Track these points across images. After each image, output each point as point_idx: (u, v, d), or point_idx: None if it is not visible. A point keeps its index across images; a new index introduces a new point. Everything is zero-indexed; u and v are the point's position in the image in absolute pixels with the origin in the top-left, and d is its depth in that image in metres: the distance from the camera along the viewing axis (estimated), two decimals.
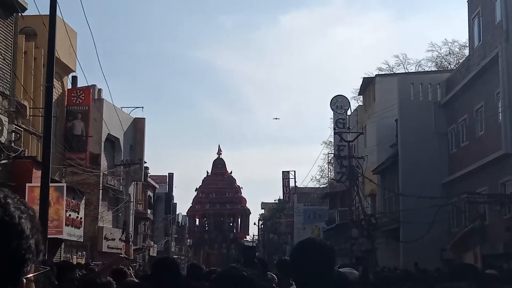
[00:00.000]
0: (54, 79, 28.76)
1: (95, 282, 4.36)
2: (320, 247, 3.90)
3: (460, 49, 53.90)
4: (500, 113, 26.51)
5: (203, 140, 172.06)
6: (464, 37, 60.19)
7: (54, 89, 28.92)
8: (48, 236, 11.34)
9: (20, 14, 20.60)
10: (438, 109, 34.83)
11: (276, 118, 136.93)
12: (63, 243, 27.93)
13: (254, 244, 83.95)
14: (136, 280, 8.28)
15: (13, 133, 19.89)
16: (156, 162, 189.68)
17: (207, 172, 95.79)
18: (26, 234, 1.37)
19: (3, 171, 19.53)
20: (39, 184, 12.76)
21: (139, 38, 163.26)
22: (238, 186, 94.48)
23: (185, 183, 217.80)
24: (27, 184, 19.93)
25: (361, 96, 48.31)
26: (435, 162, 33.71)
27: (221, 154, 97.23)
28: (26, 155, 21.90)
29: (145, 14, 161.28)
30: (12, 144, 19.70)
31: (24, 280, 1.37)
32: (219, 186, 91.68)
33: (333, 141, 48.95)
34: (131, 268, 10.35)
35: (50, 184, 12.76)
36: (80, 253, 33.62)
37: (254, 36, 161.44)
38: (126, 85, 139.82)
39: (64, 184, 25.53)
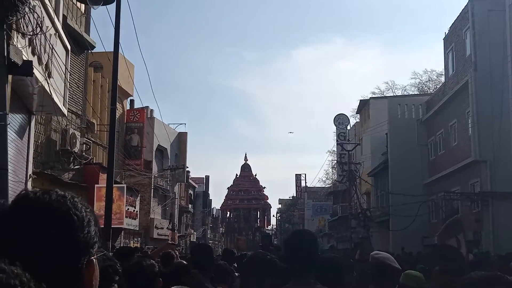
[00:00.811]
0: (117, 103, 29.18)
1: (142, 263, 4.27)
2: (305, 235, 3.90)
3: (437, 77, 53.47)
4: (470, 128, 26.28)
5: (233, 150, 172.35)
6: (440, 67, 59.81)
7: (116, 110, 29.30)
8: (112, 226, 11.37)
9: (90, 51, 20.78)
10: (420, 125, 34.56)
11: (290, 132, 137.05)
12: (122, 231, 28.02)
13: (272, 233, 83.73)
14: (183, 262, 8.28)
15: (84, 145, 20.02)
16: (196, 167, 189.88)
17: (236, 174, 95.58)
18: (91, 223, 1.39)
19: (76, 174, 19.66)
20: (105, 185, 12.83)
21: (184, 69, 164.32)
22: (261, 186, 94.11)
23: (219, 184, 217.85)
24: (96, 185, 20.08)
25: (358, 114, 48.06)
26: (417, 167, 33.45)
27: (247, 160, 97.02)
28: (94, 162, 22.04)
29: (189, 50, 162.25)
30: (83, 153, 19.83)
31: (94, 260, 1.39)
32: (246, 186, 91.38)
33: (336, 150, 48.73)
34: (177, 252, 10.34)
35: (114, 185, 12.80)
36: (136, 239, 33.67)
37: (271, 67, 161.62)
38: (173, 107, 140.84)
39: (125, 185, 25.70)
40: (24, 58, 8.38)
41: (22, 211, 1.32)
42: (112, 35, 12.36)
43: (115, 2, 11.34)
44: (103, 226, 11.18)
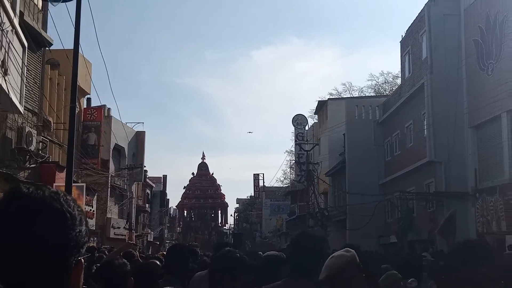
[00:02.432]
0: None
1: (114, 263, 4.31)
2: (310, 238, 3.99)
3: (393, 79, 54.32)
4: (425, 129, 26.76)
5: (190, 149, 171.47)
6: (396, 69, 60.76)
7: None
8: None
9: (48, 49, 20.41)
10: (377, 126, 35.01)
11: (249, 132, 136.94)
12: None
13: (229, 232, 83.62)
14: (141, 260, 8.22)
15: (41, 143, 19.65)
16: (153, 166, 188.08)
17: (193, 173, 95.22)
18: (83, 222, 1.37)
19: (32, 173, 19.28)
20: (63, 184, 12.62)
21: (141, 67, 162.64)
22: (218, 184, 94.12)
23: (177, 183, 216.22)
24: (54, 184, 19.70)
25: (316, 115, 48.45)
26: (374, 167, 33.90)
27: (204, 159, 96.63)
28: (50, 160, 21.66)
29: (146, 48, 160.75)
30: (40, 152, 19.46)
31: (83, 260, 1.38)
32: (203, 185, 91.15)
33: (294, 150, 49.03)
34: (137, 252, 10.25)
35: (73, 184, 12.60)
36: (92, 239, 33.19)
37: (232, 67, 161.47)
38: (131, 105, 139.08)
39: (84, 184, 25.35)
40: None
41: (14, 206, 1.30)
42: (69, 32, 12.20)
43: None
44: None
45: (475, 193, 18.79)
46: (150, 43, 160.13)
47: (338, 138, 37.95)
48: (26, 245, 1.26)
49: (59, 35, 36.78)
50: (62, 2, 10.66)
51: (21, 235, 1.26)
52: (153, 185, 62.01)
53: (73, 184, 12.18)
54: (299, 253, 3.84)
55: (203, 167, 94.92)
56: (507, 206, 15.55)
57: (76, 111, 29.30)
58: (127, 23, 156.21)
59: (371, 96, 45.87)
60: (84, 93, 31.36)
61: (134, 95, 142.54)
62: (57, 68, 26.14)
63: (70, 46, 21.08)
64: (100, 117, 33.76)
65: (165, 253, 9.61)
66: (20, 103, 15.84)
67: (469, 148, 23.92)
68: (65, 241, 1.32)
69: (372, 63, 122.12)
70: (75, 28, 11.58)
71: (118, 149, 39.93)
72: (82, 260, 1.38)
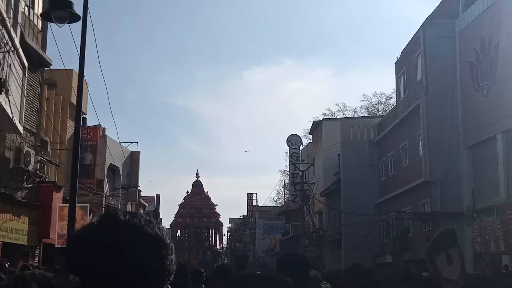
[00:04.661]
0: (69, 120, 28.70)
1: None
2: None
3: (386, 100, 54.69)
4: (421, 150, 26.91)
5: (184, 169, 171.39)
6: (389, 90, 61.21)
7: (68, 127, 28.81)
8: None
9: (50, 69, 20.47)
10: (371, 146, 35.19)
11: (245, 151, 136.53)
12: None
13: (223, 251, 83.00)
14: None
15: (38, 163, 19.59)
16: (146, 186, 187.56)
17: (187, 191, 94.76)
18: (173, 251, 1.38)
19: (29, 193, 19.18)
20: (67, 204, 12.57)
21: (134, 88, 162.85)
22: (213, 203, 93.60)
23: (169, 202, 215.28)
24: (58, 205, 19.67)
25: (311, 135, 48.61)
26: (369, 187, 33.98)
27: (199, 177, 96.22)
28: (47, 180, 21.57)
29: (136, 68, 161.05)
30: (37, 172, 19.39)
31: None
32: (197, 204, 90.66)
33: (288, 170, 49.07)
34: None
35: (77, 204, 12.56)
36: None
37: (223, 87, 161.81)
38: (123, 125, 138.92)
39: (88, 205, 25.26)
40: None
41: (114, 234, 1.29)
42: (66, 52, 12.21)
43: (81, 21, 11.18)
44: (65, 246, 10.95)
45: (472, 213, 18.87)
46: (140, 63, 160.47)
47: (333, 158, 38.07)
48: (126, 273, 1.26)
49: (60, 55, 36.79)
50: (68, 23, 10.67)
51: (121, 264, 1.26)
52: (146, 205, 61.78)
53: (77, 204, 12.14)
54: (286, 274, 3.87)
55: (197, 185, 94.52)
56: (505, 226, 15.63)
57: (73, 132, 29.45)
58: (118, 43, 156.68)
59: (365, 117, 46.08)
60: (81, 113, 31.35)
61: (126, 115, 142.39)
62: (54, 88, 26.15)
63: (66, 65, 21.14)
64: (96, 137, 33.69)
65: None
66: (20, 123, 15.83)
67: (464, 169, 24.04)
68: (161, 269, 1.32)
69: (365, 83, 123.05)
70: (80, 50, 11.60)
71: (113, 168, 39.78)
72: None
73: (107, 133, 37.95)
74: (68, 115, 28.21)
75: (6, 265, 10.37)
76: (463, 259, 7.57)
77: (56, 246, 19.13)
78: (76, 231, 1.40)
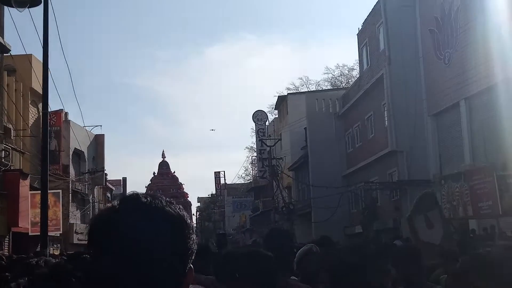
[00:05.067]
0: (30, 106, 28.18)
1: None
2: None
3: (349, 71, 54.99)
4: (386, 120, 27.20)
5: (149, 150, 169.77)
6: (351, 62, 61.54)
7: (30, 113, 28.29)
8: (49, 233, 11.00)
9: (11, 55, 20.02)
10: (337, 118, 35.46)
11: (212, 130, 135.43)
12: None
13: (222, 231, 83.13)
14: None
15: (3, 151, 19.25)
16: (112, 169, 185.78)
17: (154, 173, 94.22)
18: (194, 231, 1.38)
19: None
20: (36, 191, 12.40)
21: (94, 71, 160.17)
22: (181, 183, 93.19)
23: (137, 184, 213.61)
24: (29, 192, 19.41)
25: (276, 110, 48.71)
26: (336, 160, 34.32)
27: (165, 157, 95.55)
28: (12, 168, 21.23)
29: (94, 51, 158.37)
30: (3, 160, 19.07)
31: (192, 267, 1.37)
32: (165, 184, 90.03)
33: (255, 146, 49.17)
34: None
35: (49, 191, 12.40)
36: (55, 245, 32.65)
37: (184, 66, 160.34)
38: (84, 109, 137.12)
39: (60, 191, 25.00)
40: None
41: (137, 216, 1.28)
42: (26, 37, 11.94)
43: (42, 5, 10.91)
44: (39, 234, 10.82)
45: (439, 180, 19.21)
46: (97, 46, 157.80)
47: (299, 132, 38.25)
48: (150, 255, 1.26)
49: (21, 40, 35.88)
50: (28, 7, 10.40)
51: (144, 246, 1.25)
52: (113, 188, 61.28)
53: (49, 191, 11.97)
54: (273, 248, 3.94)
55: (164, 166, 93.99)
56: (472, 191, 15.98)
57: (35, 117, 28.93)
58: (75, 27, 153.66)
59: (330, 89, 46.32)
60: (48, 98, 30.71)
61: (87, 99, 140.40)
62: (13, 74, 25.59)
63: (23, 51, 20.68)
64: (59, 121, 33.18)
65: None
66: None
67: (429, 137, 24.43)
68: (184, 249, 1.33)
69: (327, 56, 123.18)
70: (43, 35, 11.34)
71: (77, 153, 39.30)
72: (192, 267, 1.38)
73: (69, 117, 37.43)
74: (30, 101, 27.71)
75: None
76: (447, 222, 7.56)
77: (30, 234, 18.89)
78: (97, 214, 1.38)
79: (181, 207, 1.38)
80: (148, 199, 1.33)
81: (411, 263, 4.45)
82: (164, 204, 1.33)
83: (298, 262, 4.99)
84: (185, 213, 1.38)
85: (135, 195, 1.34)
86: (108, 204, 1.37)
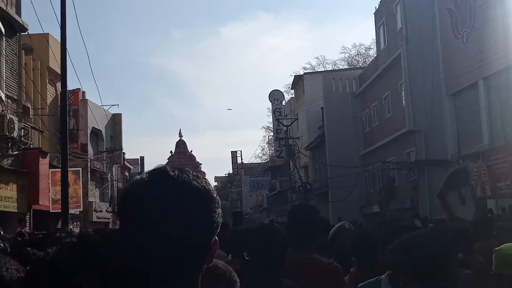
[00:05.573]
0: (48, 84, 28.39)
1: None
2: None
3: (365, 51, 54.64)
4: (403, 99, 27.08)
5: (166, 130, 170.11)
6: (368, 41, 61.10)
7: (48, 92, 28.52)
8: (69, 211, 11.16)
9: (28, 34, 20.16)
10: (354, 98, 35.32)
11: (229, 109, 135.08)
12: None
13: (239, 209, 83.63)
14: None
15: (22, 130, 19.45)
16: (130, 148, 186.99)
17: (171, 151, 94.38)
18: (220, 204, 1.40)
19: (15, 160, 19.10)
20: (57, 169, 12.57)
21: (110, 51, 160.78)
22: (198, 162, 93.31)
23: (154, 163, 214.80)
24: (50, 170, 19.64)
25: (293, 90, 48.60)
26: (353, 139, 34.24)
27: (182, 136, 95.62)
28: (32, 147, 21.46)
29: (111, 30, 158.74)
30: (22, 138, 19.27)
31: (217, 239, 1.39)
32: (182, 163, 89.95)
33: (272, 126, 49.19)
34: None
35: (69, 169, 12.56)
36: (75, 223, 33.08)
37: (199, 45, 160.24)
38: (102, 88, 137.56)
39: (80, 168, 25.26)
40: None
41: (166, 189, 1.30)
42: (44, 16, 12.04)
43: None
44: (60, 211, 11.01)
45: (457, 160, 19.14)
46: (114, 25, 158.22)
47: (316, 112, 38.19)
48: (178, 228, 1.28)
49: (38, 18, 36.19)
50: None
51: (173, 218, 1.28)
52: (131, 167, 61.71)
53: (69, 169, 12.14)
54: (298, 224, 3.97)
55: (181, 144, 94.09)
56: (490, 171, 15.92)
57: (53, 96, 29.18)
58: (90, 4, 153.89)
59: (346, 69, 46.08)
60: (59, 77, 30.91)
61: (104, 79, 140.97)
62: (31, 53, 25.79)
63: (40, 29, 20.72)
64: (77, 100, 33.41)
65: None
66: (1, 90, 15.69)
67: (447, 116, 24.29)
68: (210, 222, 1.35)
69: (343, 35, 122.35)
70: (61, 19, 11.45)
71: (95, 132, 39.61)
72: (217, 239, 1.41)
73: (86, 96, 37.65)
74: (47, 80, 27.94)
75: (1, 232, 10.44)
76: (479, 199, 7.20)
77: (51, 211, 19.14)
78: (126, 186, 1.40)
79: (207, 180, 1.40)
80: (176, 172, 1.36)
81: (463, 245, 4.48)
82: (191, 177, 1.36)
83: (331, 239, 5.04)
84: (211, 187, 1.40)
85: (164, 168, 1.37)
86: (137, 177, 1.40)
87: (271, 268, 3.26)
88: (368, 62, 43.07)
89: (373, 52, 46.19)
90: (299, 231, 3.89)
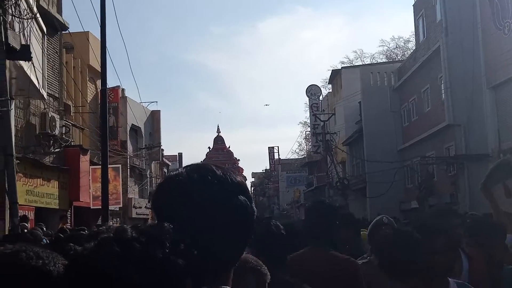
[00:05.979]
0: (88, 82, 28.85)
1: None
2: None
3: (404, 43, 53.96)
4: (443, 93, 26.71)
5: (204, 125, 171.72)
6: (406, 34, 60.35)
7: (88, 90, 28.98)
8: (109, 207, 11.35)
9: (69, 32, 20.54)
10: (392, 92, 34.96)
11: (266, 105, 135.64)
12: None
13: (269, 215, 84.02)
14: None
15: (64, 127, 19.85)
16: (168, 145, 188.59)
17: (209, 147, 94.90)
18: (252, 200, 1.44)
19: (57, 157, 19.49)
20: (97, 166, 12.80)
21: (149, 47, 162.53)
22: (236, 158, 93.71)
23: (192, 160, 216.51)
24: (91, 167, 20.01)
25: (330, 84, 48.36)
26: (391, 134, 33.92)
27: (220, 132, 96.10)
28: (73, 144, 21.87)
29: (149, 27, 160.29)
30: (63, 136, 19.66)
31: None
32: (220, 159, 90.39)
33: (309, 121, 49.05)
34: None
35: (109, 166, 12.78)
36: (115, 219, 33.57)
37: (237, 40, 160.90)
38: (139, 85, 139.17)
39: (120, 165, 25.66)
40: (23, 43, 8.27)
41: (201, 182, 1.33)
42: (83, 15, 12.25)
43: None
44: (100, 207, 11.22)
45: (498, 154, 18.80)
46: (153, 22, 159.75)
47: (354, 106, 37.93)
48: (215, 220, 1.31)
49: (79, 17, 36.98)
50: None
51: (210, 211, 1.31)
52: (169, 163, 62.30)
53: (109, 165, 12.34)
54: (315, 222, 4.04)
55: (219, 140, 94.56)
56: None
57: (93, 94, 29.65)
58: (129, 2, 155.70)
59: (384, 62, 45.61)
60: (99, 75, 31.39)
61: (142, 76, 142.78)
62: (72, 52, 26.25)
63: (79, 27, 21.02)
64: (117, 98, 33.83)
65: None
66: (43, 88, 16.01)
67: (488, 109, 23.84)
68: (246, 219, 1.40)
69: (381, 28, 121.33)
70: (101, 14, 11.66)
71: (134, 129, 40.11)
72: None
73: (126, 93, 38.14)
74: (88, 78, 28.39)
75: (44, 228, 10.69)
76: None
77: (91, 208, 19.48)
78: (163, 179, 1.43)
79: (243, 177, 1.44)
80: (212, 167, 1.39)
81: (497, 239, 4.42)
82: (226, 172, 1.39)
83: (369, 234, 5.04)
84: (245, 182, 1.44)
85: (200, 163, 1.42)
86: (174, 171, 1.42)
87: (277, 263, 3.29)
88: (406, 55, 42.55)
89: (412, 45, 45.64)
90: (316, 229, 3.98)
